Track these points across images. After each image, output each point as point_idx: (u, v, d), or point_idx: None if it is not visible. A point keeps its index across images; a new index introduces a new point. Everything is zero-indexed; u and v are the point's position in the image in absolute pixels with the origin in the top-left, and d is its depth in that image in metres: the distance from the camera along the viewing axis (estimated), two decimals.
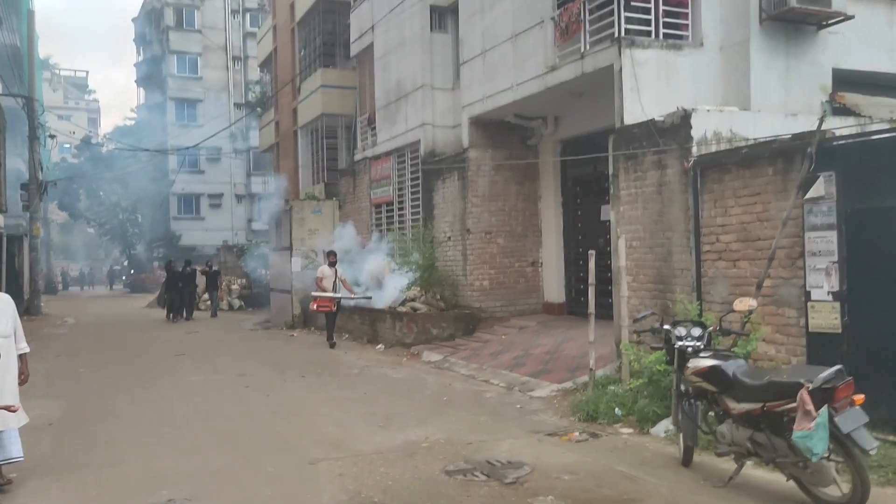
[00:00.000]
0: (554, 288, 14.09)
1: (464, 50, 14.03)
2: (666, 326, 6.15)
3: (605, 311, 12.83)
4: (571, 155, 13.77)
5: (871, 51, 10.82)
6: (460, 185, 14.12)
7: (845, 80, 10.72)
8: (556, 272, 13.99)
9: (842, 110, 10.38)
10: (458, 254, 14.23)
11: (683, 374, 5.99)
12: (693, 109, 8.74)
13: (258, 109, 33.26)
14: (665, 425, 7.59)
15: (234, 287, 30.04)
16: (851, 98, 10.53)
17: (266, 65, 30.52)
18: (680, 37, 10.43)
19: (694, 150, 8.63)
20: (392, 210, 17.43)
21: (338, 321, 17.14)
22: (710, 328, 6.11)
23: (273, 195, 28.97)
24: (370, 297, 15.13)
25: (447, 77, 15.73)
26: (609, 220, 12.75)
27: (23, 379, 6.03)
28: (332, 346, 14.76)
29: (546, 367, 10.49)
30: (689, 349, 5.95)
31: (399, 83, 16.64)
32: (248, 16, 50.28)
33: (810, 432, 4.69)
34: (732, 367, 5.56)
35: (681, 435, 6.34)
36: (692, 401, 6.03)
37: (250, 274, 31.69)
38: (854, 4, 10.38)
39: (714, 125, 8.76)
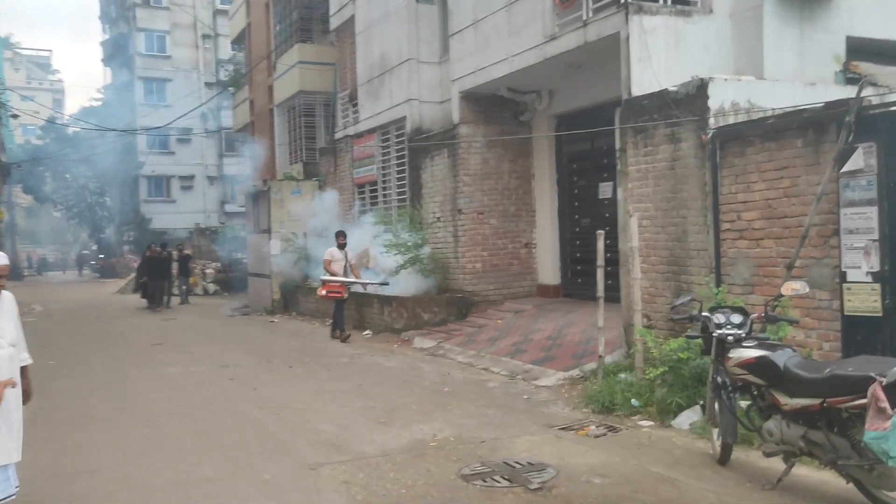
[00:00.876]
0: (549, 270, 13.53)
1: (453, 21, 13.33)
2: (705, 313, 5.59)
3: (608, 294, 12.36)
4: (566, 130, 13.18)
5: (883, 17, 10.30)
6: (450, 162, 13.46)
7: (857, 49, 10.21)
8: (551, 253, 13.43)
9: (856, 80, 9.87)
10: (449, 235, 13.60)
11: (724, 365, 5.45)
12: (710, 78, 8.16)
13: (230, 89, 32.18)
14: (688, 417, 7.09)
15: (209, 271, 29.22)
16: (865, 67, 10.02)
17: (239, 41, 29.48)
18: (688, 2, 9.85)
19: (711, 121, 8.07)
20: (376, 190, 16.73)
21: (320, 305, 16.52)
22: (754, 315, 5.56)
23: (248, 176, 28.11)
24: (387, 283, 13.58)
25: (434, 50, 15.02)
26: (607, 199, 12.29)
27: (25, 398, 4.82)
28: (345, 339, 13.03)
29: (549, 353, 9.95)
30: (730, 338, 5.41)
31: (383, 57, 15.89)
32: None
33: (886, 433, 4.16)
34: (783, 358, 5.02)
35: (715, 431, 5.81)
36: (731, 394, 5.51)
37: (226, 257, 30.90)
38: None
39: (732, 95, 8.20)
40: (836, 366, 4.73)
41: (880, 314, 6.31)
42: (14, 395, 4.51)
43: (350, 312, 15.10)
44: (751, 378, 5.19)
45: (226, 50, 44.44)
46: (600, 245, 8.74)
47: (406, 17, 14.88)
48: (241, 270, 29.62)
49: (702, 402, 7.26)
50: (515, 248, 13.55)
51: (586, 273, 12.77)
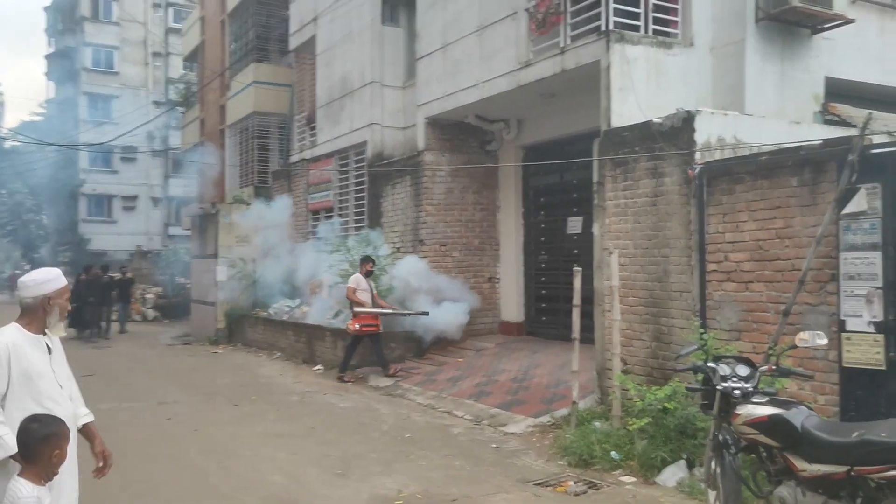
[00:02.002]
0: (512, 306, 12.97)
1: (421, 44, 12.82)
2: (710, 364, 5.05)
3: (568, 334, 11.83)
4: (534, 162, 12.74)
5: (861, 60, 10.16)
6: (413, 191, 12.86)
7: (834, 90, 10.02)
8: (515, 289, 12.88)
9: (834, 122, 9.66)
10: None
11: (730, 422, 4.90)
12: (697, 111, 7.77)
13: (180, 109, 31.14)
14: (674, 473, 6.54)
15: (150, 296, 27.89)
16: (844, 109, 9.83)
17: (192, 58, 28.57)
18: (668, 34, 9.52)
19: (697, 156, 7.66)
20: (332, 216, 16.00)
21: (268, 336, 15.66)
22: (763, 367, 5.04)
23: (195, 198, 27.08)
24: (426, 313, 11.87)
25: (398, 74, 14.50)
26: (576, 234, 11.84)
27: (103, 467, 3.89)
28: (395, 373, 11.47)
29: (516, 397, 9.33)
30: (737, 392, 4.87)
31: (344, 79, 15.30)
32: (171, 10, 47.76)
33: None
34: (799, 417, 4.48)
35: (713, 493, 5.25)
36: (734, 454, 4.96)
37: (168, 282, 29.63)
38: (847, 9, 9.71)
39: (718, 130, 7.81)
40: (864, 429, 4.21)
41: (884, 367, 5.88)
42: (70, 462, 3.44)
43: (299, 345, 14.31)
44: (762, 439, 4.64)
45: (176, 69, 43.34)
46: (577, 283, 8.22)
47: (370, 39, 14.35)
48: (183, 296, 28.43)
49: (686, 456, 6.74)
50: (478, 283, 12.96)
51: (551, 311, 12.27)
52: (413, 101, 14.00)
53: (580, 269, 8.32)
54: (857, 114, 9.87)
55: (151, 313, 26.76)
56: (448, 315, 12.02)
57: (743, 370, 4.99)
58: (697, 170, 7.49)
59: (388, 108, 14.34)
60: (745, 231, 7.10)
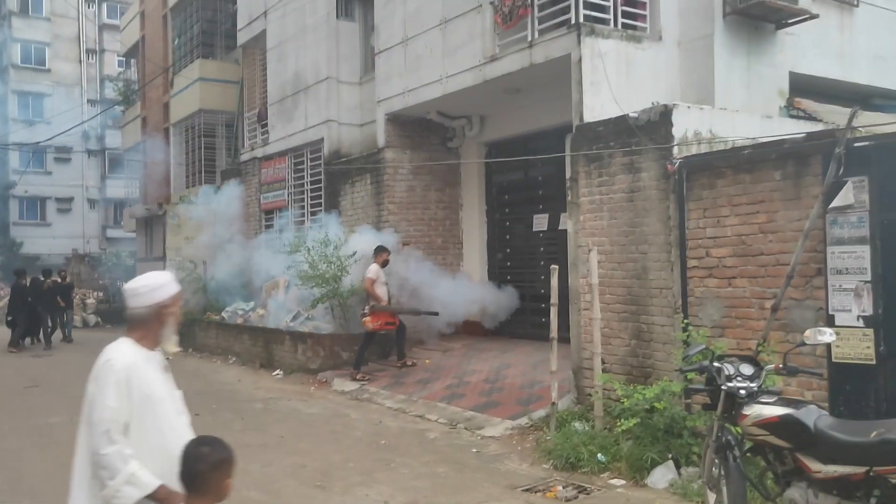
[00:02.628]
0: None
1: (380, 38, 12.49)
2: (716, 364, 4.90)
3: (541, 332, 11.67)
4: (496, 158, 12.56)
5: (823, 56, 10.27)
6: (374, 189, 12.54)
7: (797, 86, 10.10)
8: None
9: (800, 117, 9.72)
10: None
11: (735, 422, 4.76)
12: (674, 105, 7.68)
13: (118, 107, 29.99)
14: (663, 474, 6.42)
15: (90, 301, 26.79)
16: (809, 104, 9.91)
17: (131, 55, 27.54)
18: (636, 27, 9.43)
19: (675, 151, 7.57)
20: (286, 216, 15.53)
21: (222, 341, 15.13)
22: (770, 366, 4.92)
23: (137, 199, 26.15)
24: (437, 314, 11.57)
25: (354, 70, 14.14)
26: (542, 231, 11.71)
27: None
28: (356, 377, 11.04)
29: (490, 398, 9.12)
30: (742, 392, 4.73)
31: (298, 75, 14.86)
32: (104, 6, 46.13)
33: None
34: (811, 417, 4.36)
35: (712, 496, 5.12)
36: (735, 456, 4.82)
37: (109, 287, 28.60)
38: (810, 5, 9.78)
39: (694, 124, 7.73)
40: (883, 428, 4.11)
41: (873, 362, 5.86)
42: None
43: (256, 349, 13.84)
44: (772, 440, 4.51)
45: (112, 66, 41.92)
46: (554, 281, 8.05)
47: (325, 34, 13.95)
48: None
49: (672, 456, 6.63)
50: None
51: (518, 310, 12.10)
52: (371, 97, 13.67)
53: (556, 267, 8.16)
54: (821, 109, 9.97)
55: (93, 319, 25.70)
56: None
57: (747, 369, 4.86)
58: (677, 164, 7.39)
59: (344, 105, 13.97)
60: (726, 226, 7.02)
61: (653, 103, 7.95)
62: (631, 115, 7.96)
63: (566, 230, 11.04)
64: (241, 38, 17.58)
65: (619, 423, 6.67)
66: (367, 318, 10.99)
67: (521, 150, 11.74)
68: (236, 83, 19.51)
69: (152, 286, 3.05)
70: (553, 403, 7.92)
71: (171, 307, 3.07)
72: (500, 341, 11.94)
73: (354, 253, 12.26)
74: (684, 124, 7.65)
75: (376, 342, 12.19)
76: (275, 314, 14.06)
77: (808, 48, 10.06)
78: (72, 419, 8.73)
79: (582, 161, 8.56)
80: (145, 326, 3.04)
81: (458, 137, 12.77)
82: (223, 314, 15.83)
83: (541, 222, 11.56)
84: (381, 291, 11.09)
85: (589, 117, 8.64)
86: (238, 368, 13.58)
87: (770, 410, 4.52)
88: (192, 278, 17.06)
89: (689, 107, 7.87)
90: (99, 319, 25.95)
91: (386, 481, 6.38)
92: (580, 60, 8.69)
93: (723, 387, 4.80)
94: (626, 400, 6.76)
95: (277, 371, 12.65)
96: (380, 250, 11.31)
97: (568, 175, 8.77)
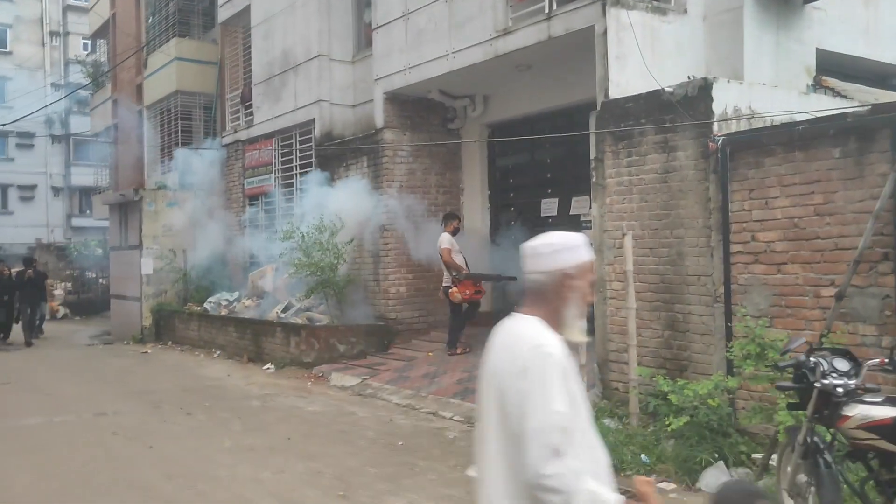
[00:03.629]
0: None
1: (377, 12, 11.78)
2: (812, 358, 4.36)
3: None
4: (500, 139, 11.96)
5: (848, 33, 9.81)
6: (371, 172, 11.86)
7: (822, 63, 9.64)
8: None
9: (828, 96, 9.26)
10: (368, 255, 11.96)
11: (834, 424, 4.24)
12: (714, 79, 7.15)
13: (86, 90, 28.72)
14: (715, 477, 5.88)
15: (58, 292, 25.73)
16: (836, 83, 9.46)
17: (101, 34, 26.35)
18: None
19: (716, 127, 7.03)
20: (273, 202, 14.78)
21: (205, 333, 14.38)
22: (874, 361, 4.40)
23: (106, 185, 25.10)
24: (514, 279, 10.29)
25: (347, 48, 13.41)
26: (551, 216, 11.15)
27: None
28: (460, 351, 10.34)
29: None
30: (839, 390, 4.21)
31: (286, 53, 14.09)
32: None
33: None
34: None
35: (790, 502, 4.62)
36: (828, 462, 4.30)
37: (77, 277, 27.56)
38: None
39: (734, 99, 7.21)
40: None
41: None
42: None
43: (243, 342, 13.12)
44: (882, 444, 4.00)
45: (77, 49, 40.42)
46: None
47: (316, 9, 13.19)
48: (96, 291, 26.46)
49: (721, 458, 6.12)
50: (442, 270, 12.08)
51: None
52: (365, 76, 12.99)
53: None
54: (849, 87, 9.53)
55: (61, 310, 24.68)
56: None
57: (842, 364, 4.34)
58: (720, 142, 6.86)
59: (336, 84, 13.25)
60: (776, 208, 6.51)
61: (688, 77, 7.40)
62: (666, 89, 7.41)
63: (578, 215, 10.65)
64: (223, 14, 16.73)
65: (667, 421, 6.13)
66: (453, 290, 10.34)
67: (527, 131, 11.17)
68: (215, 64, 18.62)
69: (556, 246, 2.29)
70: None
71: (577, 279, 2.29)
72: None
73: (352, 240, 11.61)
74: (724, 99, 7.12)
75: (373, 335, 11.58)
76: (263, 305, 13.35)
77: (836, 24, 9.59)
78: (51, 419, 8.04)
79: (609, 140, 7.99)
80: (545, 301, 2.29)
81: (459, 118, 12.13)
82: (206, 305, 15.06)
83: (550, 207, 11.00)
84: (459, 260, 10.45)
85: (615, 93, 8.07)
86: (224, 362, 12.84)
87: (880, 411, 4.02)
88: (171, 268, 16.26)
89: (728, 81, 7.34)
90: (68, 311, 24.95)
91: (414, 488, 5.78)
92: (605, 32, 8.11)
93: (816, 384, 4.28)
94: (673, 396, 6.21)
95: (268, 365, 11.95)
96: (450, 218, 10.69)
97: (592, 155, 8.19)
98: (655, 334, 7.52)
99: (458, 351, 10.45)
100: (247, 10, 15.46)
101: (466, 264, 10.62)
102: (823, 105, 7.60)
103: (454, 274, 10.37)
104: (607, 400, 7.90)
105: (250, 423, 8.20)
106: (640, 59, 8.24)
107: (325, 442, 7.29)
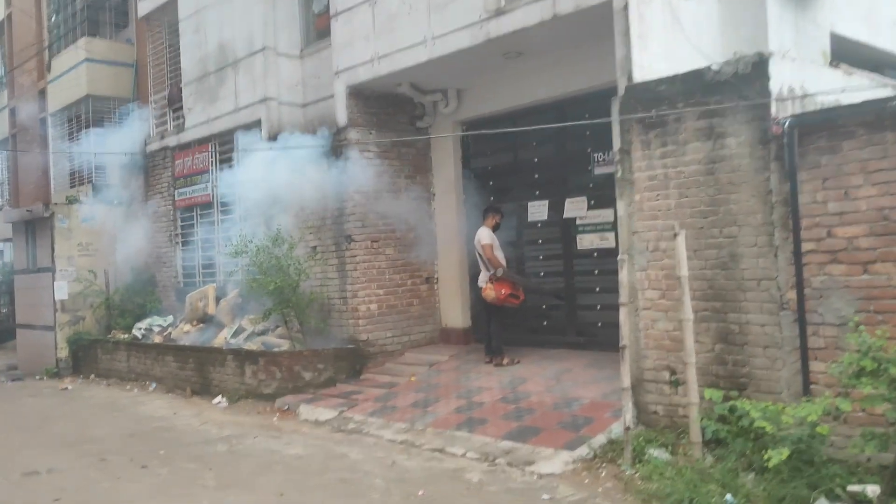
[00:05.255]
0: (455, 310, 10.98)
1: None
2: None
3: (540, 338, 10.22)
4: (473, 140, 10.89)
5: (852, 18, 9.24)
6: (334, 176, 10.52)
7: (835, 48, 9.03)
8: (459, 290, 10.91)
9: None
10: (332, 270, 10.61)
11: None
12: (770, 54, 6.28)
13: None
14: None
15: None
16: (848, 69, 8.81)
17: None
18: None
19: (773, 110, 6.15)
20: (212, 214, 13.19)
21: (136, 364, 12.65)
22: None
23: (8, 201, 22.62)
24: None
25: (294, 40, 12.04)
26: (541, 221, 10.15)
27: None
28: (506, 362, 9.29)
29: (523, 423, 7.41)
30: None
31: (223, 48, 12.59)
32: None
33: None
34: None
35: None
36: None
37: None
38: None
39: (788, 79, 6.37)
40: None
41: None
42: None
43: (184, 373, 11.49)
44: None
45: None
46: (623, 275, 6.46)
47: None
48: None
49: (823, 491, 5.18)
50: (415, 285, 10.88)
51: (511, 313, 10.42)
52: (315, 72, 11.71)
53: (625, 258, 6.59)
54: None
55: None
56: None
57: None
58: (786, 124, 5.96)
59: (284, 81, 11.85)
60: (859, 199, 5.66)
61: (734, 53, 6.52)
62: (712, 67, 6.50)
63: (574, 218, 9.66)
64: (143, 8, 15.01)
65: (765, 454, 5.11)
66: (488, 287, 9.25)
67: (507, 127, 10.12)
68: (130, 65, 16.87)
69: None
70: (627, 428, 6.35)
71: None
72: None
73: (314, 247, 10.25)
74: (779, 78, 6.26)
75: (343, 359, 10.24)
76: (206, 330, 11.77)
77: (844, 8, 9.00)
78: None
79: (636, 129, 7.02)
80: None
81: (428, 115, 10.97)
82: (135, 332, 13.29)
83: (539, 210, 9.98)
84: (500, 256, 9.40)
85: (639, 76, 7.11)
86: (164, 397, 11.18)
87: None
88: (90, 291, 14.38)
89: (782, 57, 6.49)
90: None
91: None
92: (626, 7, 7.15)
93: None
94: (765, 423, 5.21)
95: (218, 398, 10.39)
96: (491, 211, 9.63)
97: (616, 146, 7.20)
98: (704, 348, 6.57)
99: (504, 361, 9.31)
100: (173, 2, 13.83)
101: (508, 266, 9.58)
102: (865, 86, 6.91)
103: (492, 271, 9.28)
104: (644, 426, 6.89)
105: (225, 475, 6.74)
106: (662, 39, 7.36)
107: (329, 497, 5.95)
